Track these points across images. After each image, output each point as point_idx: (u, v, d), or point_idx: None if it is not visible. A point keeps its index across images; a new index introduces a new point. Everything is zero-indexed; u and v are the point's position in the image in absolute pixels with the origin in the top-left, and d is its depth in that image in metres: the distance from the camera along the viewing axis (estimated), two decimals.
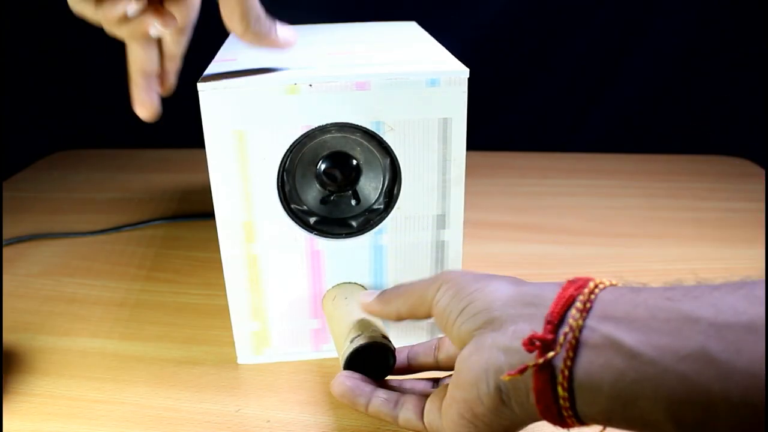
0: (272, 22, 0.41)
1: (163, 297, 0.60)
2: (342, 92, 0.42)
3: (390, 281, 0.48)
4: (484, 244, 0.69)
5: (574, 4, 0.91)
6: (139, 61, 0.42)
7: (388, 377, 0.43)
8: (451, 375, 0.40)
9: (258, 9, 0.39)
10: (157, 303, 0.59)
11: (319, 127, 0.43)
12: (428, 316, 0.37)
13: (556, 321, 0.29)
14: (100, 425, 0.44)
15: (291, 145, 0.44)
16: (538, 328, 0.30)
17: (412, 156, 0.45)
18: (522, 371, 0.30)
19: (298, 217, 0.46)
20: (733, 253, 0.67)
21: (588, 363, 0.28)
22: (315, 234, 0.47)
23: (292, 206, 0.46)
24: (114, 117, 1.03)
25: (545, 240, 0.70)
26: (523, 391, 0.30)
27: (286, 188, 0.45)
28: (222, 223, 0.45)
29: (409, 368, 0.44)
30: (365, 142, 0.45)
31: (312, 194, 0.46)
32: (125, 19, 0.38)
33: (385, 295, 0.40)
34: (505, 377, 0.30)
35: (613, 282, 0.31)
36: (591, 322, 0.29)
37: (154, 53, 0.42)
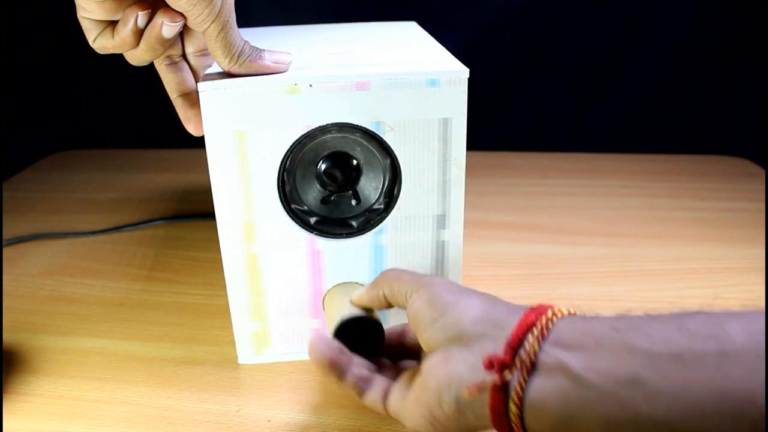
0: (257, 50, 0.42)
1: (164, 297, 0.60)
2: (342, 92, 0.42)
3: None
4: (484, 244, 0.69)
5: (574, 4, 0.91)
6: (173, 84, 0.46)
7: None
8: (412, 363, 0.42)
9: (238, 44, 0.41)
10: (158, 303, 0.59)
11: (319, 127, 0.43)
12: (403, 307, 0.40)
13: (516, 345, 0.32)
14: (101, 425, 0.44)
15: (291, 145, 0.44)
16: (500, 348, 0.33)
17: (412, 156, 0.45)
18: (481, 389, 0.33)
19: (299, 217, 0.46)
20: (733, 253, 0.67)
21: (540, 383, 0.31)
22: (315, 234, 0.47)
23: (293, 206, 0.46)
24: (114, 117, 1.04)
25: (545, 240, 0.70)
26: (479, 405, 0.33)
27: (287, 188, 0.45)
28: (222, 223, 0.45)
29: None
30: (365, 142, 0.45)
31: (312, 194, 0.46)
32: (139, 33, 0.40)
33: (376, 278, 0.43)
34: (465, 392, 0.33)
35: (570, 311, 0.34)
36: (546, 347, 0.32)
37: (184, 73, 0.47)
